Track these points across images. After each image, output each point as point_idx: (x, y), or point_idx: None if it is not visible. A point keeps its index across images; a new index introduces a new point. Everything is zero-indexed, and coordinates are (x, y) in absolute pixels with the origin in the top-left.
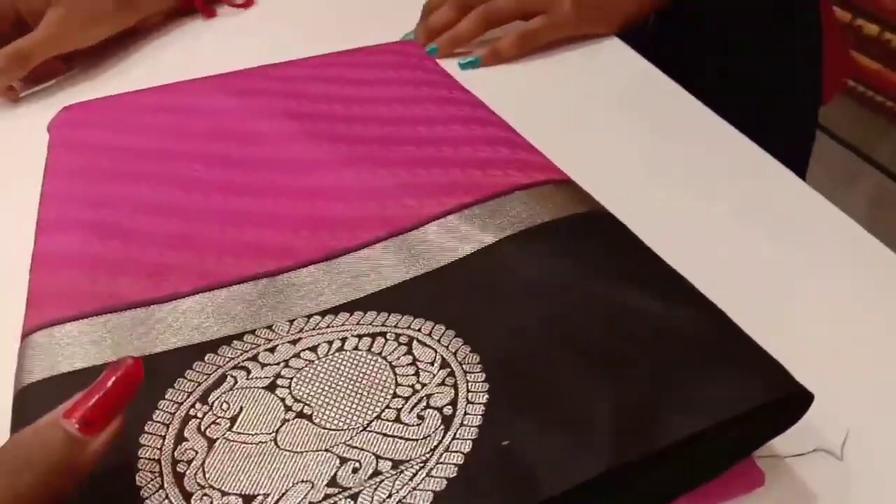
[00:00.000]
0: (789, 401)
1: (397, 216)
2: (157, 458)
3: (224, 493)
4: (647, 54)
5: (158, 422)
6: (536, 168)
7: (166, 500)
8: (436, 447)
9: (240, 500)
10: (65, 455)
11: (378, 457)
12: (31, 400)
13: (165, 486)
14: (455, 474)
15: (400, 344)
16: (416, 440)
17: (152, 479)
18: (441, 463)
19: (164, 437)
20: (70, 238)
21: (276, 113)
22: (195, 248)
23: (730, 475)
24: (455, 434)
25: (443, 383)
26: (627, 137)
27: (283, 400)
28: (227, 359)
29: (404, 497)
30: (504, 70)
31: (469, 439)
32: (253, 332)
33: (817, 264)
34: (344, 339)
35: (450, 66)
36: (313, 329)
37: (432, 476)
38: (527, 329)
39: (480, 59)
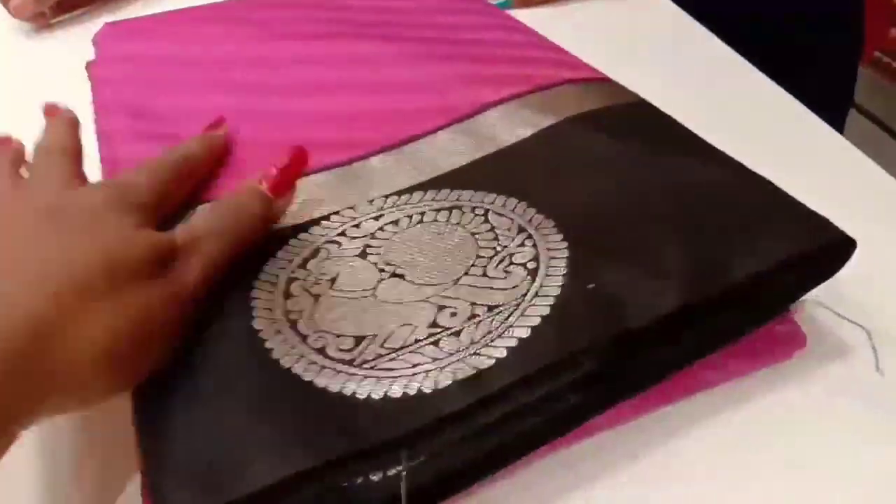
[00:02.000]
0: (833, 249)
1: (458, 104)
2: (269, 307)
3: (337, 336)
4: (682, 7)
5: (266, 281)
6: (581, 67)
7: (285, 342)
8: (525, 293)
9: (351, 339)
10: (263, 209)
11: (473, 304)
12: None
13: (281, 330)
14: (548, 312)
15: (476, 215)
16: (507, 289)
17: (269, 325)
18: (533, 305)
19: (272, 294)
20: (137, 148)
21: (326, 20)
22: (265, 148)
23: (774, 339)
24: (542, 283)
25: (522, 244)
26: (658, 85)
27: (375, 264)
28: (318, 235)
29: (503, 332)
30: (534, 14)
31: (556, 285)
32: (337, 212)
33: (849, 215)
34: (423, 213)
35: None
36: (392, 206)
37: (526, 315)
38: (596, 196)
39: (511, 2)
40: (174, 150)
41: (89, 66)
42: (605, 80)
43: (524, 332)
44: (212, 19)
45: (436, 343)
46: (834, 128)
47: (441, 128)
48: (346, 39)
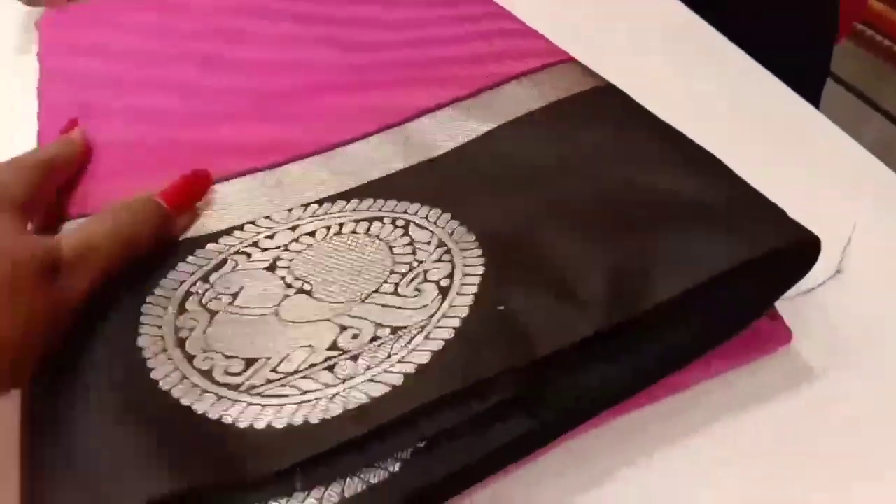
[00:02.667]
0: (795, 251)
1: (390, 110)
2: (158, 325)
3: (226, 357)
4: None
5: (160, 295)
6: (533, 54)
7: (169, 362)
8: (433, 314)
9: (242, 362)
10: (160, 222)
11: (377, 324)
12: None
13: (167, 348)
14: (452, 336)
15: (396, 227)
16: (414, 309)
17: (154, 343)
18: (438, 327)
19: (165, 309)
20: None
21: (263, 11)
22: (192, 148)
23: (757, 334)
24: (452, 302)
25: (439, 260)
26: (642, 67)
27: (283, 279)
28: (227, 246)
29: (403, 357)
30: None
31: (465, 306)
32: (253, 222)
33: (828, 188)
34: (341, 224)
35: None
36: (311, 216)
37: (430, 339)
38: (523, 208)
39: None
40: (40, 149)
41: (40, 24)
42: (564, 63)
43: (424, 358)
44: (153, 7)
45: (331, 368)
46: (810, 95)
47: (371, 133)
48: (282, 38)
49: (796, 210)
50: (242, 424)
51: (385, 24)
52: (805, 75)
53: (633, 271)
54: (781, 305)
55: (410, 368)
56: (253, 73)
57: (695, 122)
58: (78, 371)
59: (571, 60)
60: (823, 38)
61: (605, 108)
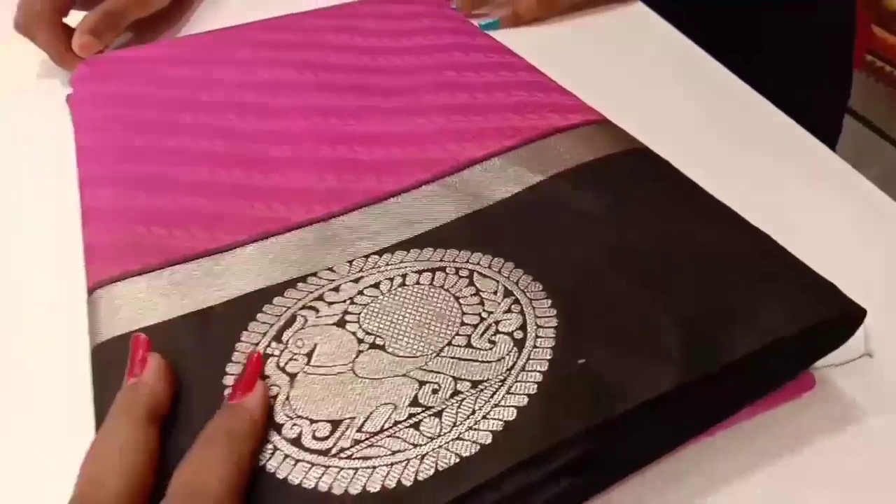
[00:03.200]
0: (842, 318)
1: (440, 159)
2: None
3: (312, 421)
4: (671, 21)
5: (238, 362)
6: (572, 110)
7: None
8: (512, 367)
9: (328, 425)
10: (257, 430)
11: (456, 378)
12: (112, 354)
13: None
14: (535, 391)
15: (460, 277)
16: (491, 362)
17: None
18: (519, 381)
19: None
20: (115, 192)
21: (302, 64)
22: (243, 197)
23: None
24: (529, 355)
25: (509, 310)
26: (648, 102)
27: (354, 334)
28: (295, 300)
29: (488, 413)
30: (523, 32)
31: (544, 359)
32: (315, 274)
33: (844, 232)
34: (404, 276)
35: None
36: (372, 267)
37: (512, 393)
38: (585, 258)
39: (500, 22)
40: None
41: (69, 99)
42: (599, 123)
43: (510, 414)
44: (188, 60)
45: (416, 426)
46: (827, 142)
47: (424, 183)
48: (325, 89)
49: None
50: (337, 491)
51: (423, 68)
52: (824, 112)
53: (711, 325)
54: None
55: (499, 426)
56: (294, 121)
57: (706, 171)
58: (168, 459)
59: (606, 121)
60: (842, 74)
61: (646, 167)
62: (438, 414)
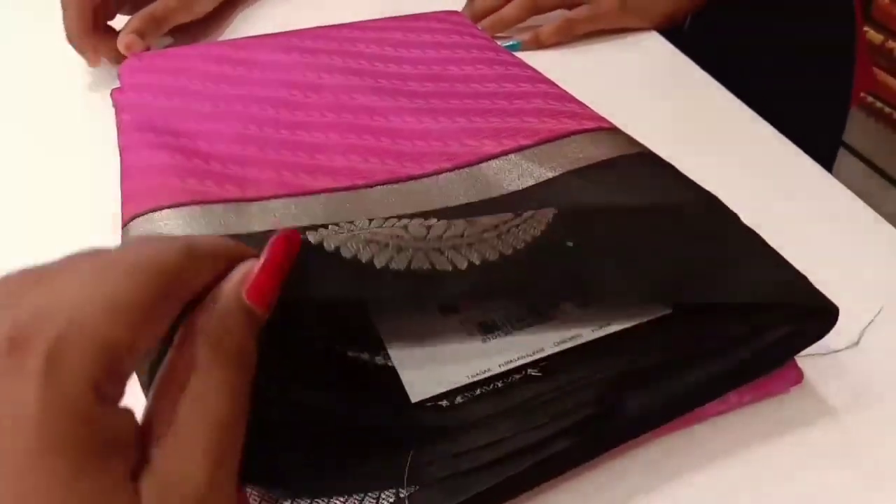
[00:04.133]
0: (816, 313)
1: (460, 153)
2: None
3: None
4: (684, 51)
5: None
6: (587, 118)
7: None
8: (510, 230)
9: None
10: (252, 331)
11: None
12: None
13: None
14: (522, 246)
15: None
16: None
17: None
18: (512, 237)
19: None
20: (155, 154)
21: (335, 68)
22: (273, 168)
23: (771, 374)
24: (529, 231)
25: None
26: (661, 129)
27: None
28: (320, 234)
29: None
30: (543, 56)
31: (540, 229)
32: (337, 224)
33: (843, 258)
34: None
35: None
36: (391, 226)
37: (503, 241)
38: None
39: (521, 44)
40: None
41: (113, 92)
42: (611, 130)
43: (493, 256)
44: (229, 59)
45: (428, 228)
46: (823, 165)
47: (443, 171)
48: (354, 90)
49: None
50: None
51: (448, 77)
52: (818, 143)
53: (701, 274)
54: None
55: (476, 259)
56: (326, 115)
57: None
58: None
59: (619, 130)
60: (838, 108)
61: (653, 168)
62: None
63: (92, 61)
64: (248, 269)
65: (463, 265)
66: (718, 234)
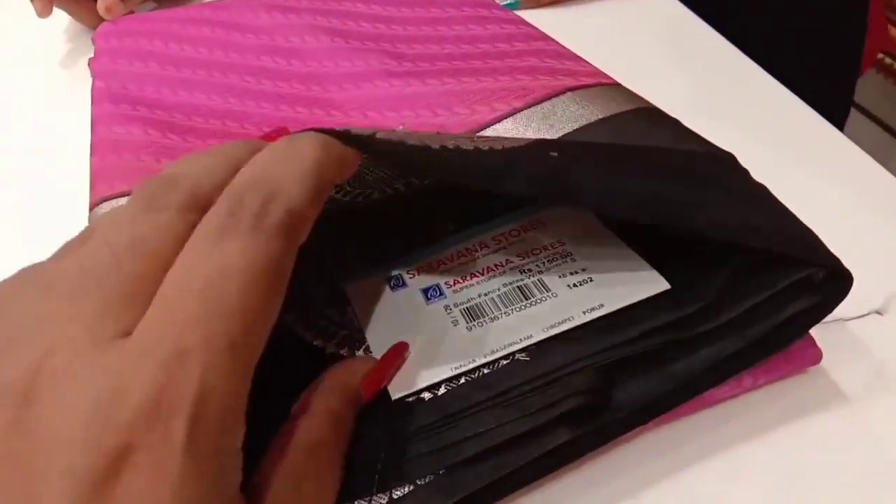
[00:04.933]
0: (825, 283)
1: (449, 124)
2: None
3: None
4: (690, 7)
5: None
6: (584, 74)
7: None
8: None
9: None
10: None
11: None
12: None
13: None
14: (517, 146)
15: None
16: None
17: None
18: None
19: None
20: (127, 128)
21: (320, 29)
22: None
23: (787, 353)
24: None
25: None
26: (665, 84)
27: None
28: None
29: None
30: (542, 13)
31: (527, 137)
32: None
33: (853, 213)
34: None
35: None
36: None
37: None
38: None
39: (520, 3)
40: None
41: (90, 61)
42: (611, 86)
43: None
44: (209, 21)
45: None
46: (833, 124)
47: None
48: (339, 54)
49: (832, 238)
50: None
51: (438, 38)
52: (828, 106)
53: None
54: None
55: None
56: (309, 87)
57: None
58: None
59: (618, 84)
60: (848, 71)
61: (661, 119)
62: None
63: (41, 9)
64: (367, 368)
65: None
66: (723, 177)
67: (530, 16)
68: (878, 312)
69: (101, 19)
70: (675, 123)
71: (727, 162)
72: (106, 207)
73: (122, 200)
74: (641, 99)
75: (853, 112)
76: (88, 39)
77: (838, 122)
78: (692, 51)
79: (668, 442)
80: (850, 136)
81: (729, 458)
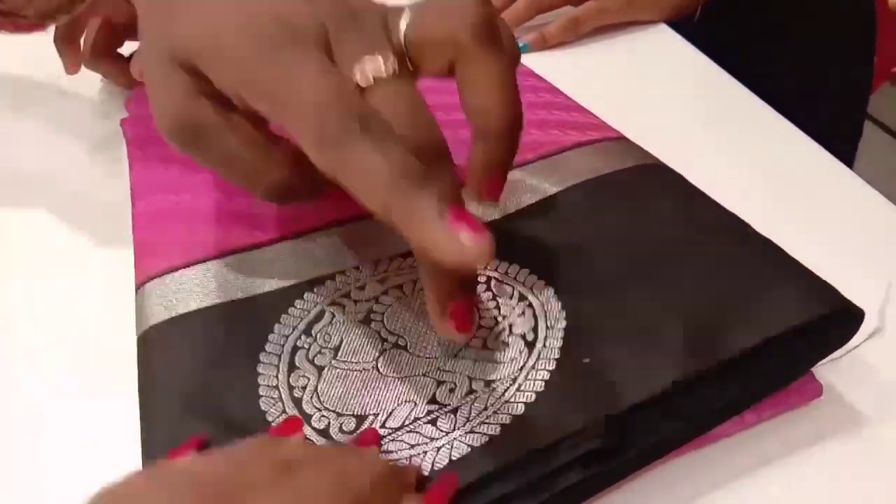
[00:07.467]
0: (839, 318)
1: (462, 173)
2: (275, 384)
3: (339, 415)
4: (694, 43)
5: (271, 353)
6: (592, 128)
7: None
8: (522, 367)
9: (353, 419)
10: None
11: (471, 378)
12: (155, 339)
13: (287, 410)
14: (542, 388)
15: (479, 283)
16: (504, 363)
17: (274, 404)
18: (528, 379)
19: (277, 367)
20: (163, 197)
21: None
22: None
23: (789, 388)
24: (539, 355)
25: (522, 313)
26: (673, 124)
27: (378, 332)
28: (324, 296)
29: (498, 409)
30: (550, 55)
31: (552, 359)
32: (343, 272)
33: (862, 254)
34: None
35: None
36: (397, 269)
37: (522, 391)
38: (595, 263)
39: (528, 46)
40: None
41: (123, 122)
42: (617, 140)
43: (519, 409)
44: None
45: (433, 422)
46: (843, 158)
47: None
48: None
49: (832, 270)
50: None
51: (445, 91)
52: (839, 129)
53: (712, 322)
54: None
55: (507, 420)
56: None
57: (724, 184)
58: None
59: (624, 138)
60: (859, 90)
61: (659, 180)
62: (454, 411)
63: (69, 66)
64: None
65: (493, 432)
66: (737, 257)
67: (537, 57)
68: (878, 329)
69: (133, 79)
70: (679, 181)
71: (739, 228)
72: (152, 286)
73: (165, 278)
74: (643, 153)
75: (871, 126)
76: (121, 99)
77: (852, 141)
78: (697, 88)
79: (675, 475)
80: (866, 151)
81: (742, 487)
